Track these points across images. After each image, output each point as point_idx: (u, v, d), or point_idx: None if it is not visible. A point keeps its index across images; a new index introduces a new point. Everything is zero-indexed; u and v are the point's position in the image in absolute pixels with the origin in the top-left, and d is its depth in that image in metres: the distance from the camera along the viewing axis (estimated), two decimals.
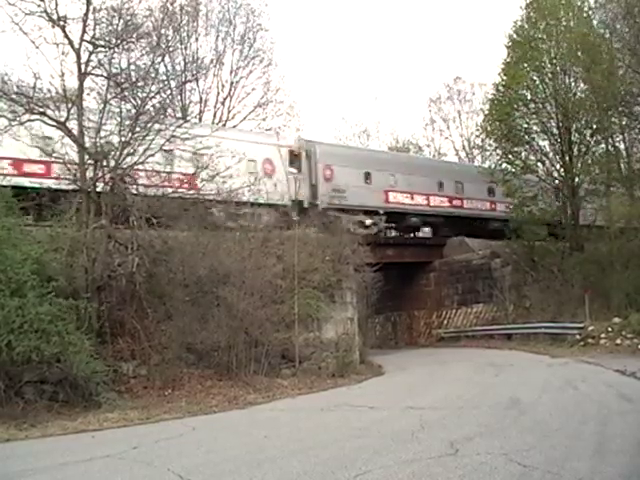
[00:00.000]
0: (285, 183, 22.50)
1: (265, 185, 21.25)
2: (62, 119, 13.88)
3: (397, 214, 27.28)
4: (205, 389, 13.68)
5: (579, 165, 26.78)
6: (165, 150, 15.43)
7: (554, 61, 26.60)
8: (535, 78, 27.05)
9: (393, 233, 29.19)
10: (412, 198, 27.85)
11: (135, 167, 14.60)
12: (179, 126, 15.26)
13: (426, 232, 31.45)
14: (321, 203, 24.27)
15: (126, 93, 14.82)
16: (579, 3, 27.47)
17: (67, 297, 11.83)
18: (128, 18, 14.62)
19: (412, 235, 30.77)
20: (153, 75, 15.44)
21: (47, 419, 10.50)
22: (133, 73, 14.95)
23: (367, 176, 26.45)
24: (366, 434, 8.60)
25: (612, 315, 20.23)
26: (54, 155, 14.08)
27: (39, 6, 13.73)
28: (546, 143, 27.98)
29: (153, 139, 14.50)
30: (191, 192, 16.52)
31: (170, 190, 15.28)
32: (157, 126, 14.72)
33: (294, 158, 24.18)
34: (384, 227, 27.31)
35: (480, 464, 6.41)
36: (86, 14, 14.18)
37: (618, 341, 18.83)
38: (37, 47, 13.76)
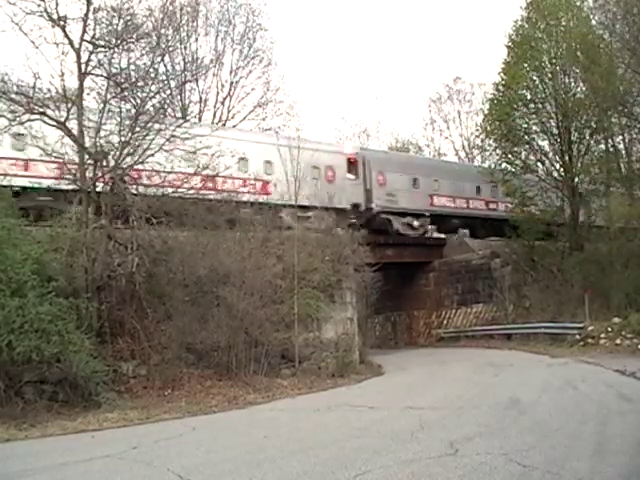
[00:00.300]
0: (344, 188, 25.07)
1: (327, 190, 23.62)
2: (62, 119, 13.88)
3: (440, 216, 29.08)
4: (205, 389, 13.68)
5: (579, 165, 26.77)
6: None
7: (554, 61, 26.61)
8: (535, 78, 27.06)
9: (435, 234, 30.73)
10: (454, 201, 29.67)
11: (135, 167, 14.61)
12: (179, 126, 15.25)
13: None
14: (375, 206, 26.49)
15: (126, 93, 14.81)
16: (579, 3, 27.46)
17: (67, 297, 11.86)
18: (128, 18, 14.62)
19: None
20: (153, 75, 15.46)
21: (47, 419, 10.51)
22: (133, 73, 14.96)
23: (415, 181, 28.49)
24: (366, 434, 8.61)
25: (612, 315, 20.23)
26: (54, 155, 14.06)
27: (39, 6, 13.72)
28: (546, 143, 28.02)
29: (153, 139, 14.51)
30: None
31: (170, 190, 15.28)
32: (157, 126, 14.72)
33: (351, 165, 26.41)
34: (429, 229, 29.24)
35: (480, 464, 6.41)
36: (86, 14, 14.18)
37: (618, 341, 18.82)
38: (37, 47, 13.75)
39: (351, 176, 26.25)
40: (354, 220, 25.04)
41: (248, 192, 20.54)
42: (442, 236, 30.54)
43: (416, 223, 28.10)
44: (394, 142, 48.21)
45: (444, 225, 29.59)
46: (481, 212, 30.48)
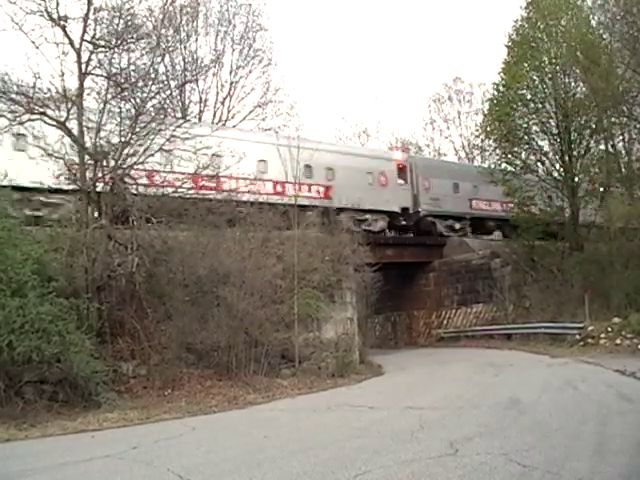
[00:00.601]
0: (395, 192, 27.35)
1: (380, 194, 26.30)
2: (62, 119, 13.87)
3: (478, 219, 30.72)
4: (205, 389, 13.68)
5: (579, 165, 26.78)
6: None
7: (554, 61, 26.61)
8: (535, 78, 27.06)
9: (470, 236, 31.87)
10: (490, 205, 31.16)
11: (135, 167, 14.61)
12: (179, 126, 15.25)
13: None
14: (422, 210, 28.56)
15: (126, 93, 14.80)
16: (579, 3, 27.48)
17: (67, 297, 11.86)
18: (128, 18, 14.62)
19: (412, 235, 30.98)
20: (153, 75, 15.44)
21: (47, 419, 10.51)
22: (133, 73, 14.95)
23: (456, 186, 30.14)
24: (366, 434, 8.61)
25: (612, 315, 20.23)
26: (54, 155, 14.06)
27: (40, 5, 13.72)
28: (546, 143, 28.03)
29: (153, 139, 14.51)
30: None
31: (170, 190, 15.29)
32: (158, 126, 14.72)
33: (401, 171, 28.33)
34: (469, 230, 30.69)
35: (480, 464, 6.41)
36: (87, 14, 14.17)
37: (618, 341, 18.82)
38: (37, 47, 13.73)
39: (401, 181, 28.12)
40: (404, 222, 27.87)
41: (313, 198, 23.53)
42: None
43: (457, 225, 29.78)
44: (394, 142, 48.29)
45: (481, 227, 30.94)
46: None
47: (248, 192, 19.03)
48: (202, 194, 16.42)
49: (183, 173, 15.94)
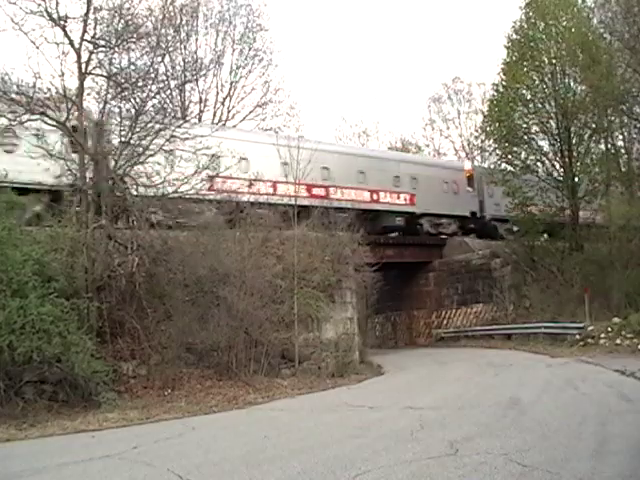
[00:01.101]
0: (465, 199, 30.22)
1: (453, 200, 29.50)
2: (62, 119, 13.87)
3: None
4: (205, 389, 13.68)
5: (579, 165, 26.78)
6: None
7: (553, 61, 26.60)
8: (534, 78, 27.04)
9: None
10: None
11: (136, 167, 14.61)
12: (178, 126, 15.25)
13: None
14: (487, 214, 31.03)
15: (126, 93, 14.81)
16: (578, 3, 27.49)
17: (67, 297, 11.86)
18: (128, 18, 14.61)
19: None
20: (153, 75, 15.44)
21: (47, 419, 10.53)
22: (133, 73, 14.95)
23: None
24: (366, 434, 8.61)
25: (612, 315, 20.23)
26: (54, 155, 14.06)
27: (39, 5, 13.70)
28: (545, 143, 28.04)
29: (153, 139, 14.51)
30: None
31: (170, 190, 15.27)
32: (157, 125, 14.71)
33: (469, 180, 31.06)
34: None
35: (480, 464, 6.41)
36: (87, 14, 14.16)
37: (618, 341, 18.81)
38: (37, 47, 13.71)
39: (469, 189, 30.95)
40: (472, 226, 30.60)
41: (401, 204, 27.55)
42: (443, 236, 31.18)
43: (515, 228, 30.37)
44: (394, 142, 48.33)
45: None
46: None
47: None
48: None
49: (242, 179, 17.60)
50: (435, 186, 29.02)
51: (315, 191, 23.09)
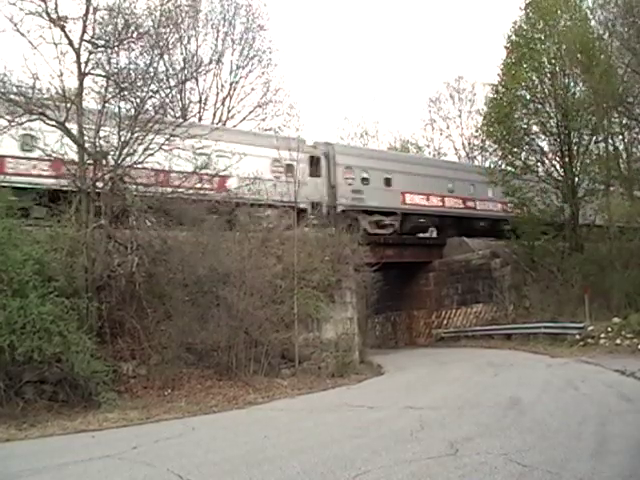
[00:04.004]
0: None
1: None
2: (62, 119, 13.86)
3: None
4: (205, 389, 13.69)
5: (578, 165, 26.79)
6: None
7: (553, 61, 26.61)
8: (534, 78, 27.04)
9: None
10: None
11: (135, 166, 14.60)
12: (178, 125, 15.25)
13: None
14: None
15: (125, 93, 14.81)
16: (578, 3, 27.47)
17: (68, 297, 11.87)
18: (127, 18, 14.60)
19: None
20: (152, 74, 15.43)
21: (47, 419, 10.53)
22: (132, 73, 14.95)
23: None
24: (365, 434, 8.61)
25: (612, 315, 20.22)
26: (54, 155, 14.05)
27: (39, 6, 13.71)
28: (545, 143, 28.06)
29: (153, 138, 14.50)
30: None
31: (170, 190, 15.28)
32: (156, 125, 14.71)
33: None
34: None
35: (480, 464, 6.40)
36: (86, 14, 14.16)
37: (618, 341, 18.80)
38: (36, 47, 13.72)
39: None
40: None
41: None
42: None
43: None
44: (394, 142, 48.33)
45: None
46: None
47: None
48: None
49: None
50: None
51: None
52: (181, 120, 19.26)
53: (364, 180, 26.27)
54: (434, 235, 30.87)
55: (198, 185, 16.86)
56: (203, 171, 16.88)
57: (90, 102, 14.91)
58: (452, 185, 29.82)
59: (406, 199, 27.71)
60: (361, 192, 25.95)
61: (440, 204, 29.29)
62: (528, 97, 27.35)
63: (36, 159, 16.08)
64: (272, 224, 20.63)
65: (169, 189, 15.48)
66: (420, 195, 28.29)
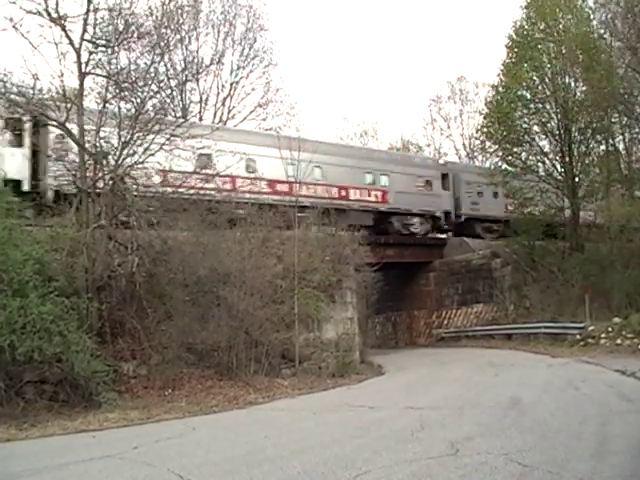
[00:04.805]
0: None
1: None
2: (62, 119, 13.86)
3: None
4: (205, 389, 13.68)
5: (579, 165, 26.78)
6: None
7: (554, 61, 26.59)
8: (535, 78, 27.05)
9: None
10: None
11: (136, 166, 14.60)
12: (178, 125, 15.23)
13: None
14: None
15: (126, 93, 14.81)
16: (579, 3, 27.45)
17: (68, 297, 11.86)
18: (128, 17, 14.61)
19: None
20: (153, 74, 15.44)
21: (47, 419, 10.51)
22: (133, 73, 14.95)
23: None
24: (366, 434, 8.60)
25: (612, 315, 20.22)
26: (54, 156, 14.06)
27: (39, 5, 13.71)
28: (546, 143, 28.05)
29: (153, 138, 14.50)
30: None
31: (170, 190, 15.28)
32: (157, 125, 14.71)
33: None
34: None
35: (480, 464, 6.40)
36: (86, 13, 14.16)
37: (618, 341, 18.80)
38: (36, 47, 13.69)
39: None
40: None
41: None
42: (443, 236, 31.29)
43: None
44: (394, 142, 48.39)
45: None
46: None
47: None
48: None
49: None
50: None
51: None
52: (182, 120, 19.23)
53: (479, 194, 30.75)
54: None
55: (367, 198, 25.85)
56: (372, 186, 26.08)
57: (91, 102, 14.94)
58: None
59: (508, 208, 30.04)
60: (477, 203, 30.67)
61: None
62: (528, 97, 27.35)
63: (255, 178, 21.72)
64: (417, 229, 28.02)
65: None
66: (511, 205, 29.83)
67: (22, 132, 18.20)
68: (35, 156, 17.67)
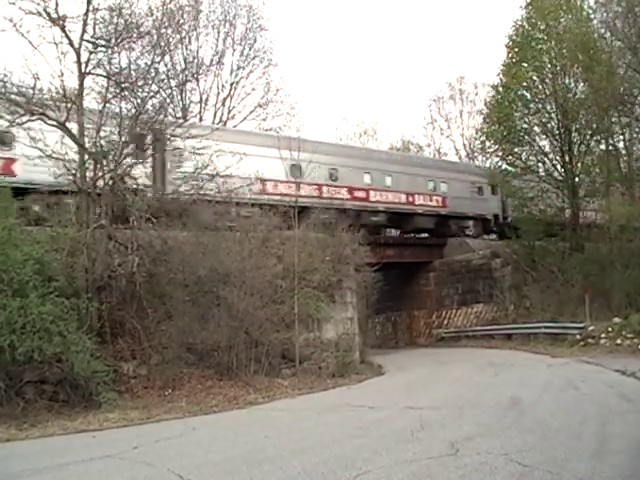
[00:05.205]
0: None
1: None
2: (62, 119, 13.86)
3: None
4: (205, 389, 13.68)
5: (579, 165, 26.78)
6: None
7: (554, 61, 26.59)
8: (535, 78, 27.05)
9: None
10: None
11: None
12: (178, 126, 15.25)
13: None
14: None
15: (126, 93, 14.80)
16: (579, 3, 27.45)
17: (68, 297, 11.87)
18: (128, 17, 14.61)
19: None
20: (153, 74, 15.44)
21: (47, 419, 10.52)
22: (133, 72, 14.95)
23: None
24: (366, 434, 8.60)
25: (612, 315, 20.21)
26: (54, 156, 14.05)
27: (39, 5, 13.71)
28: (546, 143, 28.04)
29: (154, 139, 14.51)
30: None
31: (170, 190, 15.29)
32: (157, 125, 14.71)
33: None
34: None
35: (480, 464, 6.40)
36: (86, 13, 14.17)
37: (618, 341, 18.80)
38: (36, 47, 13.71)
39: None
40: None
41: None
42: None
43: None
44: (394, 142, 48.41)
45: None
46: None
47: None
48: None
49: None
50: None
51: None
52: (182, 120, 19.26)
53: None
54: None
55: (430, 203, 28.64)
56: (433, 193, 28.78)
57: (91, 102, 14.93)
58: None
59: None
60: None
61: None
62: (529, 97, 27.36)
63: (337, 186, 24.95)
64: (472, 232, 30.28)
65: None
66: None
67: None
68: None
